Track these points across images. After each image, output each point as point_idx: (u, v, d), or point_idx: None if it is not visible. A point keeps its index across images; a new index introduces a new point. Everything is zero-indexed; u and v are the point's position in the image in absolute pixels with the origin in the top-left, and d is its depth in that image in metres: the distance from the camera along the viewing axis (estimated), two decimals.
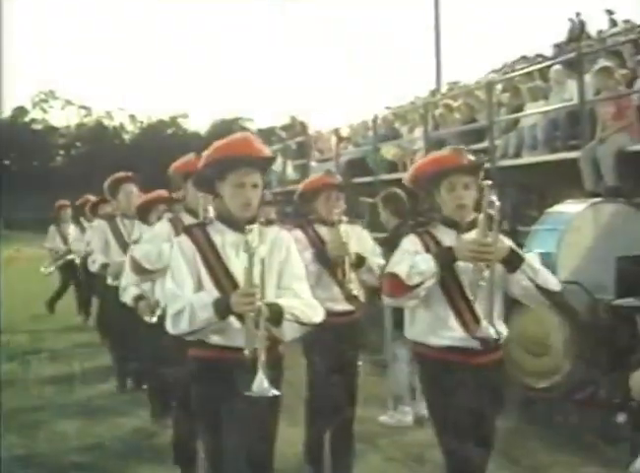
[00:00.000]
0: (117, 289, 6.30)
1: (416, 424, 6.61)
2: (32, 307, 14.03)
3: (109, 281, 7.42)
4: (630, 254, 6.67)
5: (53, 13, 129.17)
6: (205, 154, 3.53)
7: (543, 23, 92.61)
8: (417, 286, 3.52)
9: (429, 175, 3.78)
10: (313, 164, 16.86)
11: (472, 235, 3.62)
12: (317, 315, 3.51)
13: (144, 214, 6.25)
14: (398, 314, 6.49)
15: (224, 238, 3.49)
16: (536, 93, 10.85)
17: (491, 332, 3.52)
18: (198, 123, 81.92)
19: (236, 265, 3.41)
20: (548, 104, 10.20)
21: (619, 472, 5.01)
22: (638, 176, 8.20)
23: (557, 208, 7.43)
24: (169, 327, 3.37)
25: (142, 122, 71.33)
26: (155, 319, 5.42)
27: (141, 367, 7.47)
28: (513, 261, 3.58)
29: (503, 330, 3.71)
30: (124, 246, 7.15)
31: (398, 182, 11.69)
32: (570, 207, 7.36)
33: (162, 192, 6.21)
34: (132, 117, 71.01)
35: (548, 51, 17.84)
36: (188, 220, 4.79)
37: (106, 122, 70.28)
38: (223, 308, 3.25)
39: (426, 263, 3.53)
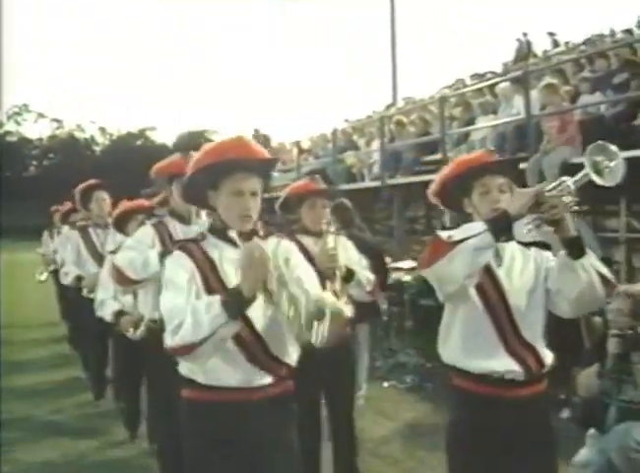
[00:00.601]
0: (92, 301, 5.76)
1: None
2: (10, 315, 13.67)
3: (84, 293, 6.63)
4: None
5: (41, 21, 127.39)
6: (193, 160, 2.87)
7: (492, 42, 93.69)
8: (458, 242, 2.78)
9: (460, 179, 3.10)
10: (275, 174, 16.90)
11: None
12: (347, 309, 2.84)
13: (121, 224, 5.59)
14: None
15: (222, 254, 2.83)
16: (486, 107, 11.00)
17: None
18: (166, 136, 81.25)
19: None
20: (497, 119, 10.33)
21: (562, 465, 5.04)
22: (580, 187, 8.31)
23: None
24: (169, 340, 2.63)
25: (112, 134, 70.75)
26: (138, 334, 4.81)
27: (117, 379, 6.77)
28: (578, 242, 2.87)
29: (549, 356, 3.08)
30: (97, 257, 6.68)
31: (356, 192, 11.74)
32: None
33: (143, 201, 5.67)
34: (102, 130, 70.38)
35: (498, 68, 18.02)
36: (174, 225, 4.33)
37: (78, 134, 69.56)
38: (233, 301, 2.55)
39: (477, 227, 2.81)
